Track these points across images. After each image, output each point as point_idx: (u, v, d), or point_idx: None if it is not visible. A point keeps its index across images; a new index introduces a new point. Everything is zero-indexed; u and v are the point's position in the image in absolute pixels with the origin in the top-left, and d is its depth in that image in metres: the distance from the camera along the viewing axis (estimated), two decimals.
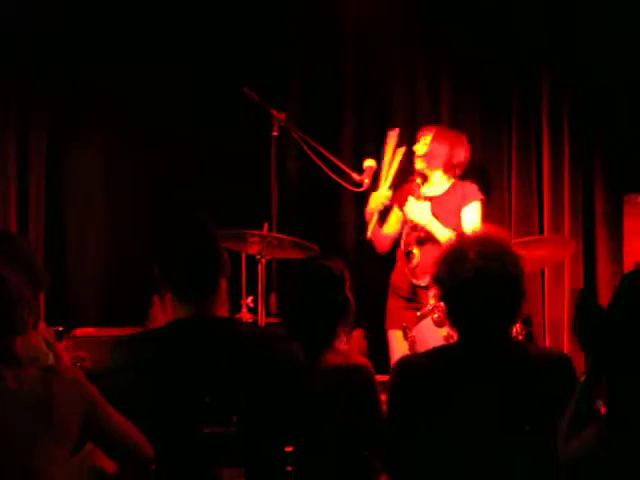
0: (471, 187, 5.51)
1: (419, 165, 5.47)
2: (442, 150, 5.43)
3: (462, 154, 5.50)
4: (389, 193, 5.40)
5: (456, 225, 5.31)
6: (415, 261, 5.14)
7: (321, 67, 6.42)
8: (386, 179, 5.42)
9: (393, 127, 5.59)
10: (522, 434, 2.77)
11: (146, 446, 2.82)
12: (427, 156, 5.44)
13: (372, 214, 5.40)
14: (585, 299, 2.72)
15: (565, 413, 2.60)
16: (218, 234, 3.30)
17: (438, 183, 5.51)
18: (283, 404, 3.02)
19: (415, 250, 5.18)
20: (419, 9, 6.30)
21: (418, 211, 5.30)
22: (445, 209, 5.38)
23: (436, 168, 5.47)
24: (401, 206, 5.44)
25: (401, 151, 5.48)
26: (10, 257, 3.23)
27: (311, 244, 5.02)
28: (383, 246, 5.58)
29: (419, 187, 5.40)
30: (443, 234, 5.20)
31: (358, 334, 5.02)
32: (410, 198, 5.35)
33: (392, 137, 5.45)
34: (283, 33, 6.36)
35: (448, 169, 5.49)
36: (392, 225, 5.54)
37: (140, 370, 3.01)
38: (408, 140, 5.79)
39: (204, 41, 6.28)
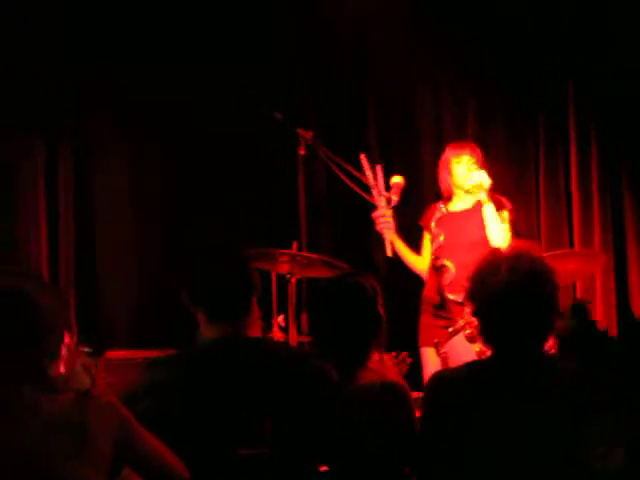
0: (500, 198, 5.48)
1: (468, 184, 5.37)
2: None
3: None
4: (389, 212, 5.36)
5: (477, 236, 5.31)
6: (449, 275, 5.12)
7: (344, 84, 6.49)
8: (380, 199, 5.37)
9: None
10: (558, 452, 2.76)
11: (181, 469, 2.83)
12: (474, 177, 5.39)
13: (382, 235, 5.40)
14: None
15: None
16: (249, 254, 3.34)
17: (464, 199, 5.51)
18: (317, 424, 3.03)
19: (448, 263, 5.17)
20: (443, 26, 6.36)
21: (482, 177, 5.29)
22: (473, 221, 5.37)
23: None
24: (428, 229, 5.48)
25: (379, 168, 5.44)
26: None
27: (341, 262, 5.03)
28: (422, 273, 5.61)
29: (435, 212, 5.48)
30: (495, 220, 5.23)
31: (394, 358, 5.00)
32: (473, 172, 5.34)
33: (363, 160, 5.41)
34: (305, 55, 6.43)
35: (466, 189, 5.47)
36: (422, 258, 5.56)
37: (173, 391, 3.03)
38: (435, 155, 5.85)
39: (231, 68, 6.30)
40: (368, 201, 5.41)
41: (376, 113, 6.57)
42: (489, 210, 5.27)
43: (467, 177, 5.35)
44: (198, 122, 6.22)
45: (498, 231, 5.23)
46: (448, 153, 5.55)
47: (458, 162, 5.45)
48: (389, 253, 5.42)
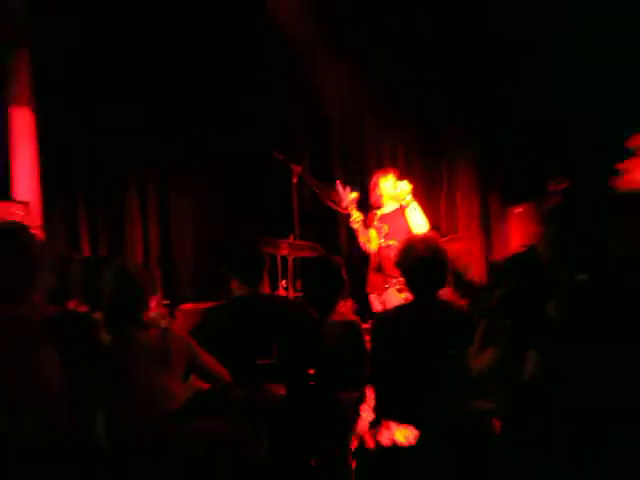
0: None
1: (396, 191, 5.17)
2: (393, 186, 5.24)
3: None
4: (358, 216, 5.11)
5: (405, 226, 5.15)
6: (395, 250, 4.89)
7: (322, 137, 6.32)
8: (352, 211, 5.11)
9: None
10: (450, 356, 2.82)
11: (225, 373, 2.89)
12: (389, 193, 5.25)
13: (356, 230, 5.18)
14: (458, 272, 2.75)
15: (473, 343, 2.64)
16: (262, 244, 3.42)
17: (390, 206, 5.27)
18: (306, 343, 3.10)
19: (394, 242, 4.95)
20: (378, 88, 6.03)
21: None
22: (398, 219, 5.18)
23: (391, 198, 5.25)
24: (372, 226, 5.26)
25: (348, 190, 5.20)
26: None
27: (319, 247, 5.00)
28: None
29: (375, 215, 5.25)
30: (416, 214, 5.10)
31: (350, 303, 4.97)
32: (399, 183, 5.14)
33: (339, 187, 5.19)
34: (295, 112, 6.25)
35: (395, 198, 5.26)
36: (374, 242, 5.21)
37: (221, 326, 3.09)
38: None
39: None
40: (335, 209, 5.30)
41: (340, 153, 6.34)
42: (412, 209, 5.12)
43: (394, 186, 5.17)
44: (231, 164, 6.03)
45: (419, 221, 5.11)
46: (376, 177, 5.34)
47: (385, 179, 5.25)
48: (361, 241, 5.23)
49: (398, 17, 5.78)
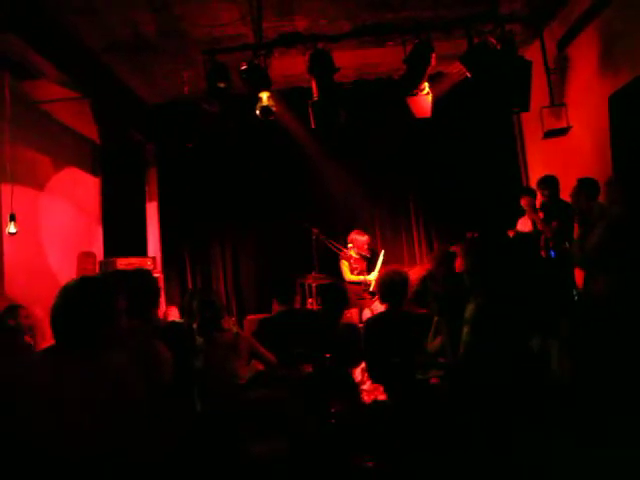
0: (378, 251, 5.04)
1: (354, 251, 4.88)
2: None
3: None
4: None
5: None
6: (372, 287, 4.72)
7: (331, 213, 5.88)
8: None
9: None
10: (414, 343, 2.70)
11: (273, 359, 2.83)
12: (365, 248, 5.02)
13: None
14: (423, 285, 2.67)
15: (428, 334, 2.58)
16: (297, 277, 3.35)
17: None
18: (324, 338, 3.00)
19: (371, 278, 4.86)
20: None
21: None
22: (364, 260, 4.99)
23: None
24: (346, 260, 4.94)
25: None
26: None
27: (331, 278, 4.84)
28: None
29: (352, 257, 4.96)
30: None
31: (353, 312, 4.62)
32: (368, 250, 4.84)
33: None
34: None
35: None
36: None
37: (270, 330, 3.03)
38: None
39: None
40: (339, 256, 5.06)
41: (342, 223, 5.77)
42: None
43: (364, 249, 4.94)
44: (278, 230, 5.74)
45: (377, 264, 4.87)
46: (355, 235, 5.01)
47: (362, 237, 4.98)
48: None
49: (375, 145, 5.60)
